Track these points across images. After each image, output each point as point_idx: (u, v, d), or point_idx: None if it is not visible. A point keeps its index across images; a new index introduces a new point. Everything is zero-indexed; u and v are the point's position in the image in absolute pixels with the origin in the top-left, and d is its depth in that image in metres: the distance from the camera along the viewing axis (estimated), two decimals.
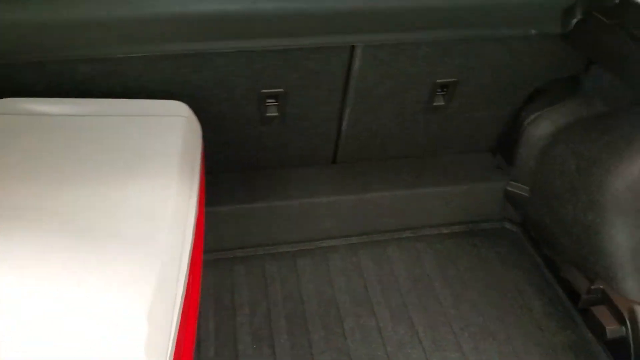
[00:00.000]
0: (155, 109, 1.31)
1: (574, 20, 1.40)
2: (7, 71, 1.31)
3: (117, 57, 1.31)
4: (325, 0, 1.30)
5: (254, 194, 1.69)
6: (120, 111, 1.29)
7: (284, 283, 1.61)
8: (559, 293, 1.59)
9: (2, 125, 1.21)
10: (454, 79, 1.58)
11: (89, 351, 0.79)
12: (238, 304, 1.54)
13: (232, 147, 1.68)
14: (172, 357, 0.88)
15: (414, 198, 1.78)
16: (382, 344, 1.45)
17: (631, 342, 1.34)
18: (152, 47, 1.30)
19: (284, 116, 1.59)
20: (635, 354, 1.34)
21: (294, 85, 1.50)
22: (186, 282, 1.01)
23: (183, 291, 0.98)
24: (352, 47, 1.43)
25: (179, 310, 0.96)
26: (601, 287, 1.41)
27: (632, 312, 1.35)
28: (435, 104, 1.65)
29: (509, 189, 1.79)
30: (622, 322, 1.36)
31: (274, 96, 1.53)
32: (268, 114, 1.57)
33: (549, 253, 1.65)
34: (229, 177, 1.71)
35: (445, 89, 1.61)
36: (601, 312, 1.40)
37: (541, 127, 1.69)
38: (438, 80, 1.58)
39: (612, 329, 1.36)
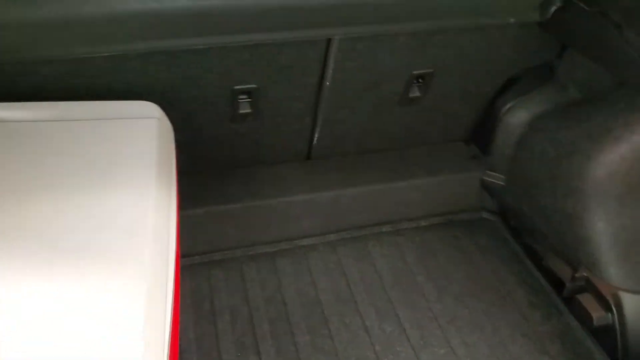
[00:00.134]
0: (125, 111, 1.23)
1: (553, 8, 1.38)
2: None
3: (80, 57, 1.22)
4: None
5: (228, 194, 1.63)
6: (86, 114, 1.20)
7: (265, 285, 1.56)
8: (541, 281, 1.59)
9: None
10: (431, 70, 1.56)
11: None
12: (218, 310, 1.48)
13: (204, 146, 1.61)
14: None
15: (392, 192, 1.75)
16: (371, 343, 1.42)
17: (617, 328, 1.35)
18: (118, 46, 1.21)
19: (258, 113, 1.53)
20: (622, 340, 1.35)
21: (268, 80, 1.44)
22: (174, 294, 0.95)
23: (172, 305, 0.93)
24: (329, 40, 1.38)
25: (170, 325, 0.90)
26: (585, 274, 1.42)
27: (617, 299, 1.35)
28: (411, 95, 1.62)
29: (486, 178, 1.78)
30: (607, 309, 1.36)
31: (247, 92, 1.47)
32: (241, 111, 1.51)
33: (529, 242, 1.65)
34: (201, 178, 1.65)
35: (421, 80, 1.58)
36: (586, 300, 1.40)
37: (517, 115, 1.68)
38: (415, 72, 1.54)
39: (599, 316, 1.37)
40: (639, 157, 1.37)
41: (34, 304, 0.81)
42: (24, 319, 0.79)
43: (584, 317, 1.40)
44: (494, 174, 1.76)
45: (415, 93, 1.61)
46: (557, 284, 1.54)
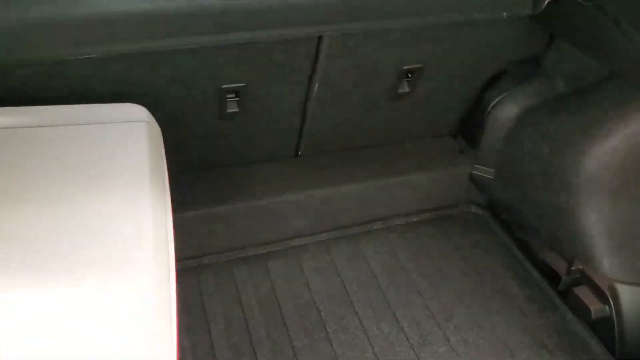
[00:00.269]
0: (112, 115, 1.17)
1: (546, 1, 1.37)
2: None
3: (62, 59, 1.16)
4: None
5: (217, 196, 1.58)
6: (71, 119, 1.14)
7: (258, 288, 1.52)
8: (535, 275, 1.60)
9: None
10: (420, 65, 1.53)
11: None
12: (211, 316, 1.44)
13: (190, 148, 1.56)
14: None
15: (382, 188, 1.73)
16: (370, 345, 1.40)
17: (615, 320, 1.36)
18: (103, 47, 1.15)
19: (245, 112, 1.49)
20: (619, 332, 1.36)
21: (257, 78, 1.40)
22: (176, 299, 0.92)
23: (175, 310, 0.89)
24: (320, 37, 1.34)
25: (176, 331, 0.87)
26: (580, 267, 1.42)
27: (613, 291, 1.36)
28: (400, 91, 1.60)
29: (475, 172, 1.77)
30: (604, 301, 1.37)
31: (235, 91, 1.43)
32: (229, 110, 1.46)
33: (521, 235, 1.65)
34: (188, 180, 1.59)
35: (410, 76, 1.56)
36: (583, 293, 1.41)
37: (505, 109, 1.67)
38: (405, 67, 1.52)
39: (597, 308, 1.37)
40: (632, 149, 1.38)
41: (41, 316, 0.77)
42: (28, 331, 0.75)
43: (581, 310, 1.41)
44: (483, 168, 1.76)
45: (404, 88, 1.59)
46: (552, 277, 1.54)
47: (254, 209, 1.60)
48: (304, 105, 1.54)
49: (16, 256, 0.85)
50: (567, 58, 1.58)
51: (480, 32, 1.49)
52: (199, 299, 1.48)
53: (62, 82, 1.22)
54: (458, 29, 1.46)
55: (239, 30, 1.23)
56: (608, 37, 1.25)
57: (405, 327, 1.45)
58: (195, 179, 1.60)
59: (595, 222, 1.41)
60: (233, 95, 1.44)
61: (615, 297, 1.35)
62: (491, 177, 1.74)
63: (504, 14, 1.39)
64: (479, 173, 1.77)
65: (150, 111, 1.21)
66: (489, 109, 1.70)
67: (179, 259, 1.54)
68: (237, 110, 1.47)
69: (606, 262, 1.39)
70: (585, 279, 1.42)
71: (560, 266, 1.48)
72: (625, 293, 1.35)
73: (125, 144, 1.10)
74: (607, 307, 1.36)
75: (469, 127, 1.81)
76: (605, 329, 1.39)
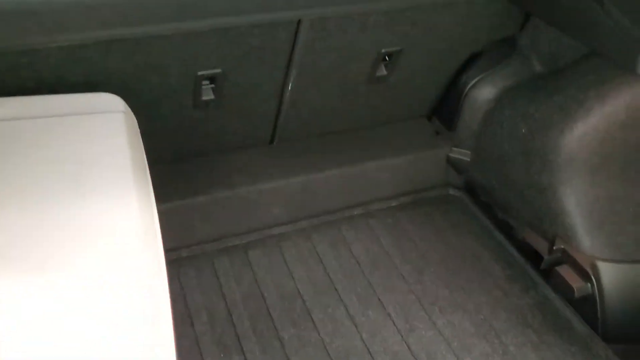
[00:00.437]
0: (86, 105, 1.11)
1: None
2: None
3: (32, 47, 1.09)
4: None
5: (194, 186, 1.54)
6: (44, 111, 1.07)
7: (240, 280, 1.49)
8: (515, 255, 1.61)
9: None
10: (398, 48, 1.51)
11: None
12: (193, 310, 1.40)
13: (165, 137, 1.50)
14: None
15: (360, 173, 1.71)
16: (357, 332, 1.39)
17: (597, 297, 1.38)
18: (75, 34, 1.09)
19: (221, 99, 1.44)
20: (601, 308, 1.38)
21: (234, 64, 1.35)
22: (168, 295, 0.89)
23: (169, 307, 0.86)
24: (299, 21, 1.31)
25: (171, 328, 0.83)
26: (562, 246, 1.44)
27: (595, 269, 1.38)
28: (378, 74, 1.58)
29: (452, 155, 1.77)
30: (587, 279, 1.39)
31: (211, 78, 1.38)
32: (204, 98, 1.42)
33: (502, 217, 1.66)
34: (164, 171, 1.53)
35: (388, 58, 1.54)
36: (565, 272, 1.43)
37: (482, 90, 1.67)
38: (383, 50, 1.50)
39: (579, 286, 1.39)
40: (611, 127, 1.39)
41: (35, 314, 0.74)
42: (23, 328, 0.72)
43: (564, 289, 1.43)
44: (460, 150, 1.76)
45: (382, 72, 1.57)
46: (532, 256, 1.56)
47: (232, 199, 1.56)
48: (281, 91, 1.51)
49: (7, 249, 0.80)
50: (543, 37, 1.58)
51: (457, 12, 1.48)
52: (181, 293, 1.44)
53: (32, 73, 1.16)
54: (436, 10, 1.44)
55: (217, 15, 1.18)
56: (591, 16, 1.25)
57: (392, 312, 1.44)
58: (170, 170, 1.55)
59: (576, 200, 1.43)
60: (208, 82, 1.39)
61: (597, 275, 1.38)
62: (468, 159, 1.74)
63: None
64: (456, 155, 1.77)
65: (124, 100, 1.16)
66: (465, 90, 1.70)
67: None
68: (212, 97, 1.42)
69: (587, 240, 1.41)
70: (567, 258, 1.43)
71: (541, 245, 1.50)
72: (607, 270, 1.38)
73: (104, 136, 1.05)
74: (589, 284, 1.39)
75: (445, 109, 1.80)
76: (588, 306, 1.41)
